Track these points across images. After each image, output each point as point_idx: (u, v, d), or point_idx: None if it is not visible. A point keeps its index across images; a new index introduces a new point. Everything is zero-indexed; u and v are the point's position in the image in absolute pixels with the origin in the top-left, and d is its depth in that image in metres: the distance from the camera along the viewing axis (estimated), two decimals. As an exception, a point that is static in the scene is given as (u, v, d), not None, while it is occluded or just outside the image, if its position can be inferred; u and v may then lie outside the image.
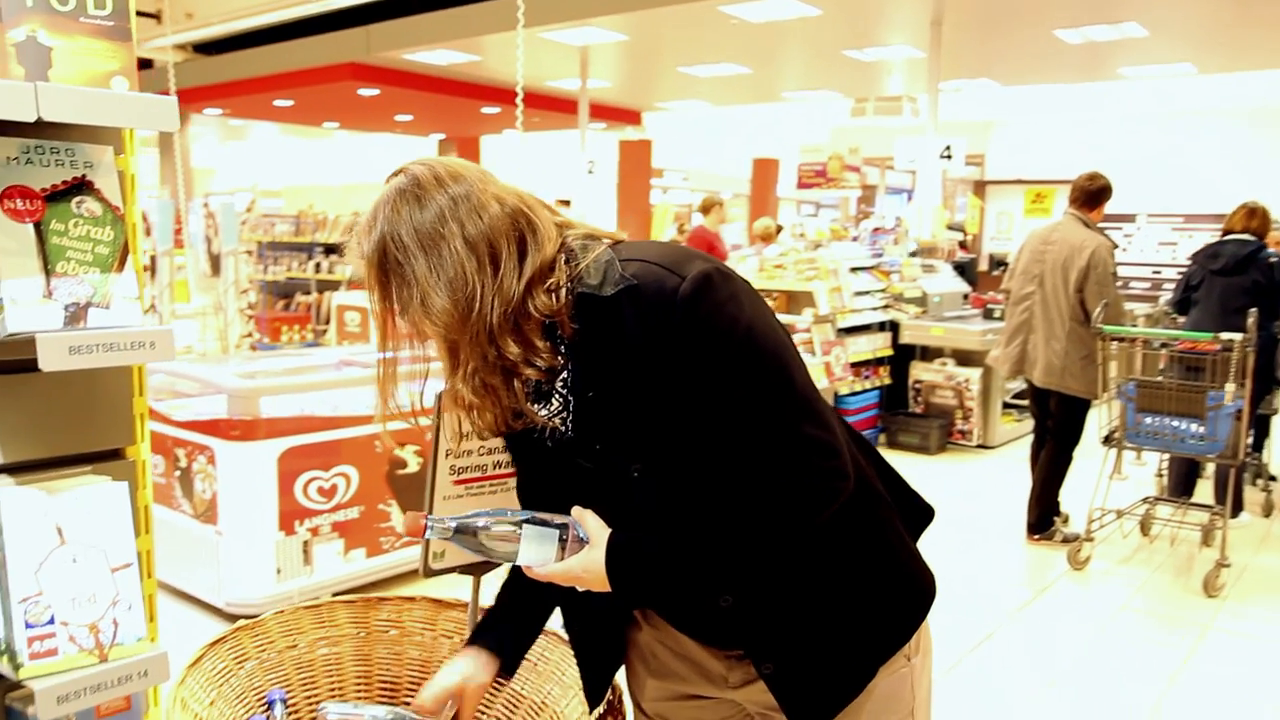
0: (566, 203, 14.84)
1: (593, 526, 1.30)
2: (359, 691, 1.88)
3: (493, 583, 1.67)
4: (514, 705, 1.80)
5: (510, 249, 1.23)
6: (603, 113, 15.97)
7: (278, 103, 15.14)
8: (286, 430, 3.68)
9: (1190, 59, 10.48)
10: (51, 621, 1.13)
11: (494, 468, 1.64)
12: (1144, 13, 8.59)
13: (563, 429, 1.33)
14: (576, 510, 1.32)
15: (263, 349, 5.85)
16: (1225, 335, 4.25)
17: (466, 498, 1.64)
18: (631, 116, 17.03)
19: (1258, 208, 5.17)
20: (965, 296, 8.07)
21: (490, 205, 1.24)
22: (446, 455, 1.59)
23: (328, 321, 9.40)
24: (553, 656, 1.79)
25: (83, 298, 1.20)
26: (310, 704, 1.81)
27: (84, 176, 1.24)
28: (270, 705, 1.68)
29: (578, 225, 1.34)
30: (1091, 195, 4.89)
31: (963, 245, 8.37)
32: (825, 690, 1.36)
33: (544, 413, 1.33)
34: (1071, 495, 5.07)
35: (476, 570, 1.70)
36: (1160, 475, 5.88)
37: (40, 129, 1.19)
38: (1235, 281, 5.06)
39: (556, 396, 1.31)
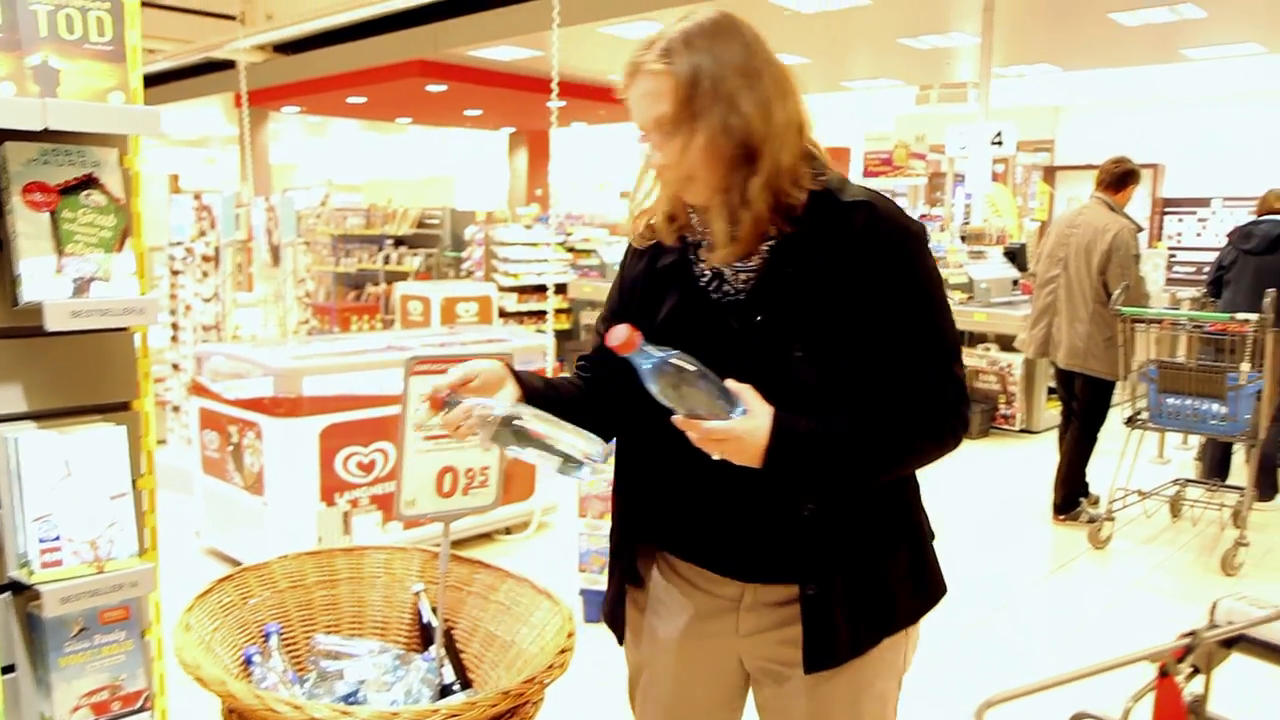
0: (628, 194, 15.03)
1: (753, 399, 1.36)
2: (352, 628, 2.12)
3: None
4: (488, 644, 2.03)
5: (797, 97, 1.44)
6: (666, 104, 16.08)
7: (351, 99, 15.66)
8: (328, 408, 3.96)
9: (1257, 38, 10.24)
10: (58, 538, 1.40)
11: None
12: (1200, -7, 8.49)
13: (735, 289, 1.47)
14: (733, 384, 1.35)
15: (319, 335, 6.19)
16: (1241, 316, 4.28)
17: (434, 451, 1.87)
18: (696, 107, 17.12)
19: None
20: (1015, 283, 8.07)
21: (775, 58, 1.43)
22: (415, 413, 1.83)
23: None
24: (523, 601, 2.01)
25: (88, 273, 1.46)
26: (308, 637, 2.05)
27: (91, 174, 1.50)
28: (266, 637, 1.93)
29: None
30: (1117, 179, 4.94)
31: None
32: (848, 632, 1.46)
33: (735, 265, 1.46)
34: (1102, 477, 5.12)
35: (446, 517, 1.92)
36: (1200, 460, 5.88)
37: (57, 135, 1.45)
38: (1268, 261, 5.07)
39: (756, 256, 1.45)
